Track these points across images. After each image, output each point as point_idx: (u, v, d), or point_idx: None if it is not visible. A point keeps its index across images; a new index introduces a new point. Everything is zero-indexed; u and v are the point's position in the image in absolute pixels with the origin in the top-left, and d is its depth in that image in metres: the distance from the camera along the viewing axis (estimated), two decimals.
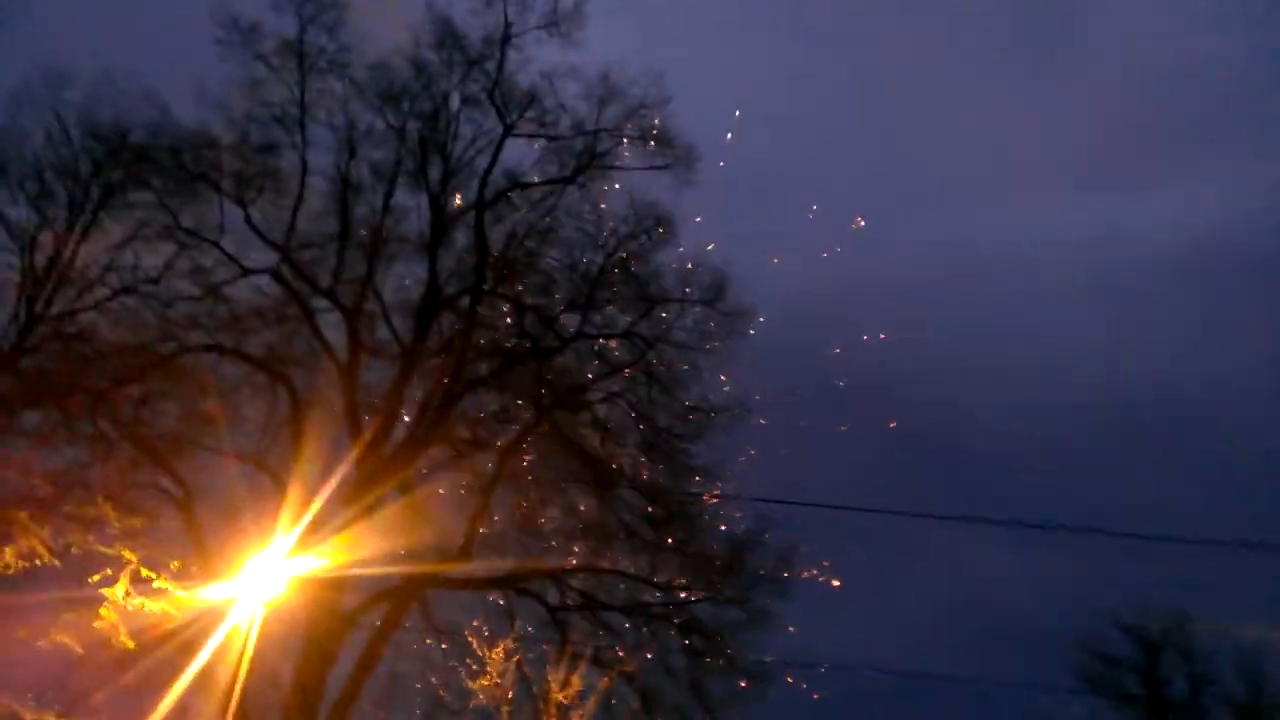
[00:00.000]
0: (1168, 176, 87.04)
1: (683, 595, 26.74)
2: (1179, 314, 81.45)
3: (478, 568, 25.64)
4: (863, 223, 28.41)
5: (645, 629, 26.50)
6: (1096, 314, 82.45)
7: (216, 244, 24.09)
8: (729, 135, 27.02)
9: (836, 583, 26.33)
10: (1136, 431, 72.98)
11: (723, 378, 26.95)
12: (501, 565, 26.55)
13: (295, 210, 24.65)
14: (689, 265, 26.76)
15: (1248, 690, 33.05)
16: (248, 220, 24.32)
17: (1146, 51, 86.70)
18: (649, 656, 26.01)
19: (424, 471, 26.19)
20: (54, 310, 22.21)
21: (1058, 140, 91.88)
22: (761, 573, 26.28)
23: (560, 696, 20.62)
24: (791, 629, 26.47)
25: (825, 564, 26.21)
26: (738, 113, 27.68)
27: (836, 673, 27.04)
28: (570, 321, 26.93)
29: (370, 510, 23.54)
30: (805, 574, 26.20)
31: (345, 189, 25.50)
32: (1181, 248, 78.74)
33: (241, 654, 17.43)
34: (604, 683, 22.83)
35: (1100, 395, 72.83)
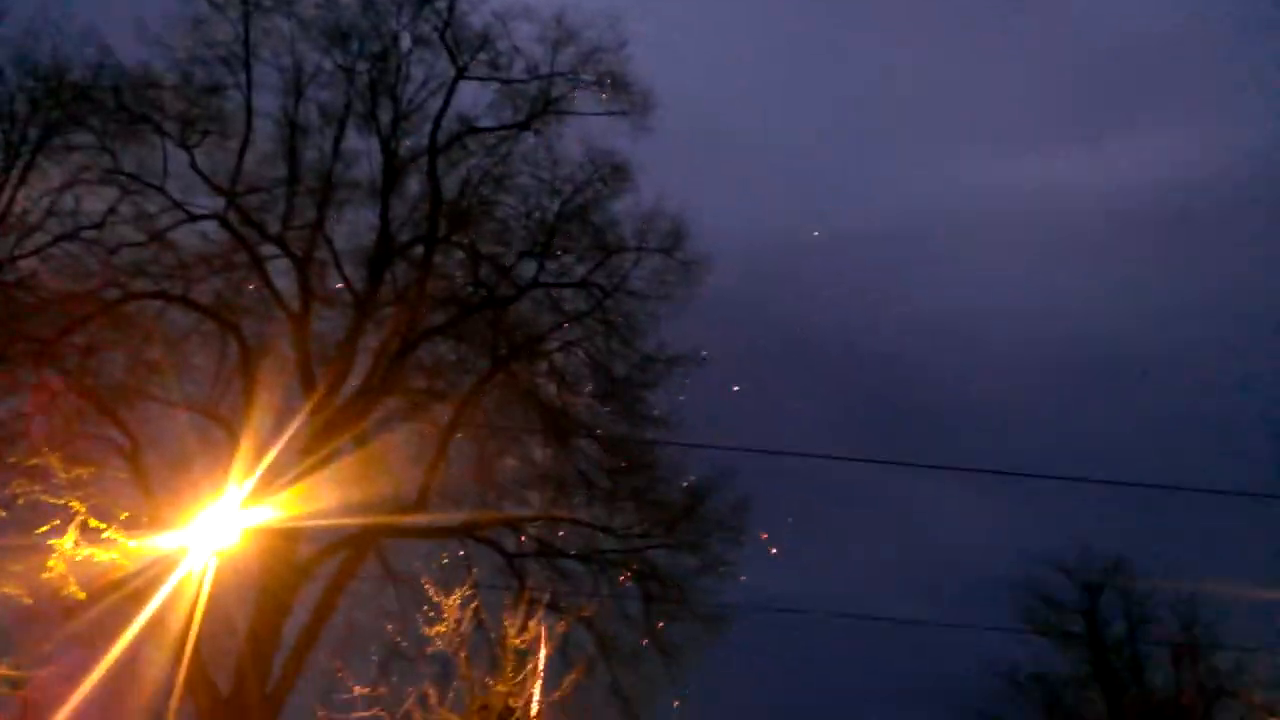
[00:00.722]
0: (1114, 131, 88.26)
1: (639, 542, 26.96)
2: (1122, 265, 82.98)
3: (434, 517, 25.60)
4: (816, 234, 28.36)
5: (602, 576, 26.73)
6: (1045, 267, 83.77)
7: (160, 188, 23.41)
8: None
9: (774, 550, 26.76)
10: (1084, 381, 74.69)
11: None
12: (458, 514, 26.55)
13: (241, 154, 24.04)
14: (646, 214, 26.61)
15: (1182, 628, 34.18)
16: (193, 164, 23.67)
17: (1093, 14, 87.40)
18: (606, 600, 26.29)
19: (380, 421, 26.00)
20: None
21: (1009, 96, 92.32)
22: (717, 520, 26.61)
23: (517, 642, 20.72)
24: (743, 578, 26.90)
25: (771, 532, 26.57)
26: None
27: (790, 616, 27.53)
28: (526, 270, 26.74)
29: (325, 460, 23.36)
30: (761, 536, 26.65)
31: (293, 132, 24.92)
32: (1125, 200, 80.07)
33: (195, 603, 17.30)
34: (561, 627, 22.97)
35: (1049, 346, 74.25)
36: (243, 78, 24.19)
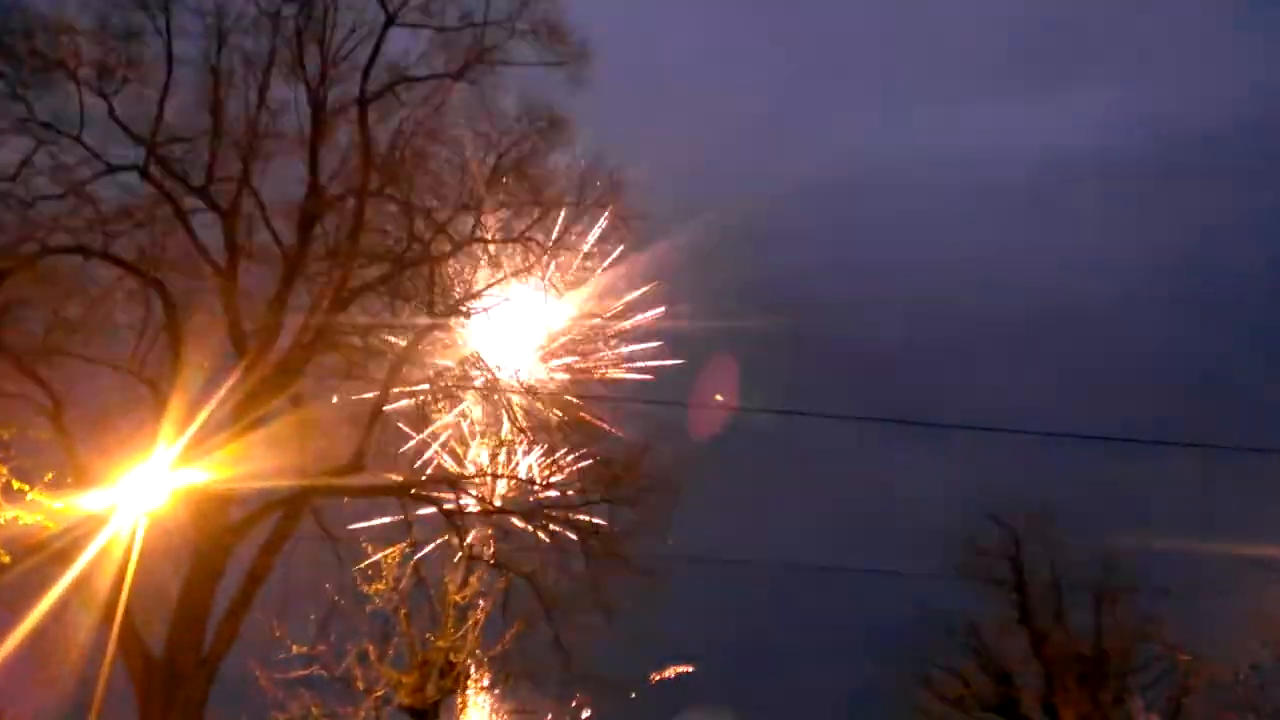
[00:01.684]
0: (1063, 84, 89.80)
1: (579, 499, 27.02)
2: (1064, 218, 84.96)
3: (371, 477, 25.30)
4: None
5: (543, 532, 26.73)
6: (984, 223, 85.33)
7: (77, 138, 22.42)
8: None
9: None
10: (1023, 336, 76.53)
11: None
12: (396, 474, 26.30)
13: (162, 103, 23.09)
14: (586, 168, 26.32)
15: (1103, 572, 35.47)
16: (111, 113, 22.67)
17: None
18: (547, 556, 26.37)
19: (314, 380, 25.55)
20: None
21: (952, 50, 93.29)
22: (658, 476, 26.76)
23: (458, 598, 20.69)
24: (674, 539, 27.17)
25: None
26: None
27: (727, 567, 27.92)
28: (463, 225, 26.26)
29: (258, 421, 22.86)
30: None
31: (216, 80, 23.99)
32: (1072, 154, 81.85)
33: (124, 566, 16.91)
34: (502, 583, 23.00)
35: (988, 300, 75.80)
36: (162, 22, 23.12)
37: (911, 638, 36.36)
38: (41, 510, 15.67)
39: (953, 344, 73.40)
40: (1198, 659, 33.10)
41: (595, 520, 26.91)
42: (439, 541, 25.87)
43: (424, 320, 25.89)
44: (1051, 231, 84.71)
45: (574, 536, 26.56)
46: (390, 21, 24.95)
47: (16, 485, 16.18)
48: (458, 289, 26.69)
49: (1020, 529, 36.83)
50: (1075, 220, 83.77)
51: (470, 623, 21.41)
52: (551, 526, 26.55)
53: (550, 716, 29.75)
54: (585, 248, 26.78)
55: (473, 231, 26.06)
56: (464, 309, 26.39)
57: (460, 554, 23.76)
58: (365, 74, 25.08)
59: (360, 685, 22.44)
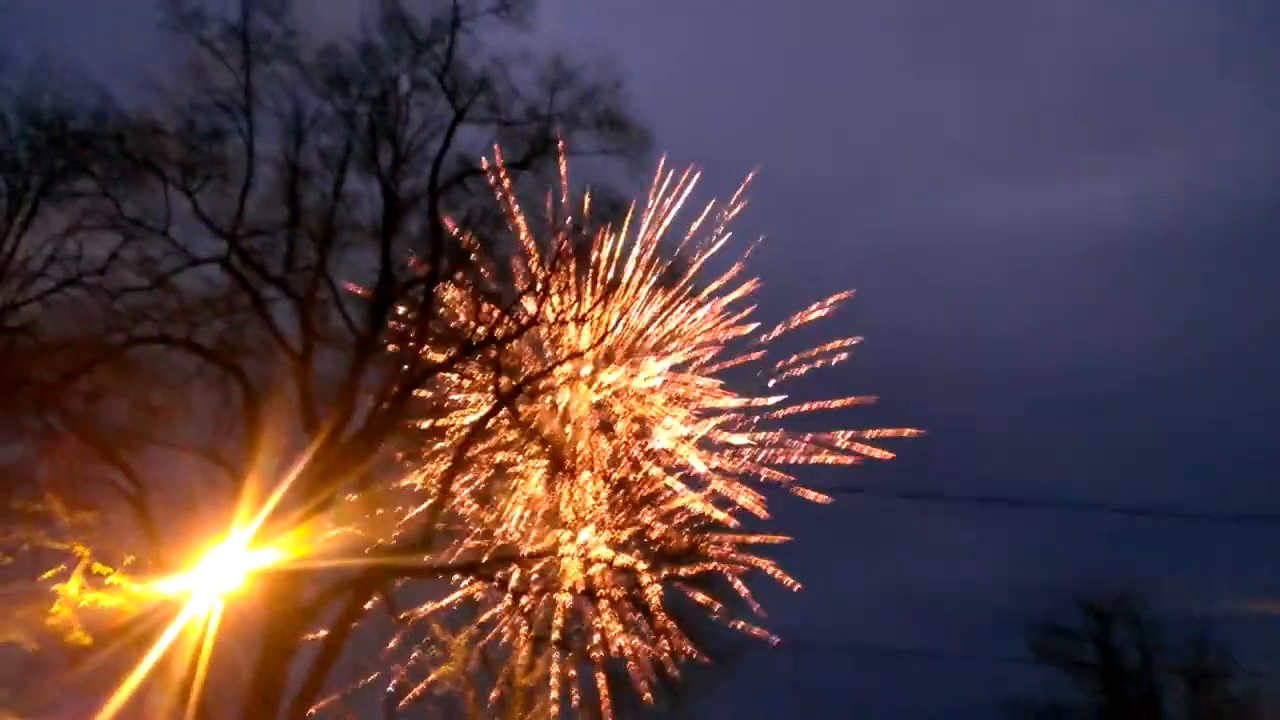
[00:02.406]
0: (1101, 163, 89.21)
1: (646, 578, 26.78)
2: (1121, 296, 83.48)
3: (439, 557, 25.48)
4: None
5: (609, 612, 26.52)
6: (1043, 297, 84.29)
7: (163, 233, 23.50)
8: None
9: (796, 585, 26.62)
10: (1085, 410, 74.72)
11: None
12: (463, 554, 26.43)
13: (243, 198, 24.11)
14: (645, 249, 26.80)
15: (1195, 655, 33.90)
16: (195, 209, 23.74)
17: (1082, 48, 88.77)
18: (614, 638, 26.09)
19: (383, 461, 25.96)
20: None
21: (989, 133, 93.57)
22: (723, 555, 26.51)
23: (524, 680, 20.54)
24: (755, 605, 26.73)
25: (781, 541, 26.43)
26: None
27: (798, 651, 27.31)
28: (527, 307, 26.79)
29: (329, 502, 23.24)
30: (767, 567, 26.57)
31: (294, 176, 25.05)
32: (1116, 233, 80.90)
33: (200, 647, 17.17)
34: (567, 665, 22.79)
35: (1048, 376, 74.41)
36: (244, 123, 24.35)
37: None
38: (122, 594, 16.05)
39: (1011, 418, 71.86)
40: None
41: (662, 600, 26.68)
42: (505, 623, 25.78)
43: (489, 401, 26.32)
44: (1109, 305, 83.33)
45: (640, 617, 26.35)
46: (459, 118, 25.87)
47: (98, 568, 16.69)
48: (523, 370, 27.15)
49: (1104, 608, 35.51)
50: (1153, 293, 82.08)
51: (537, 707, 21.13)
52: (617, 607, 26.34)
53: None
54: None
55: (537, 314, 26.56)
56: (528, 389, 26.79)
57: (526, 635, 23.65)
58: (435, 167, 25.94)
59: None
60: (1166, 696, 34.13)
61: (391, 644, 25.42)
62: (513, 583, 26.12)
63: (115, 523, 20.14)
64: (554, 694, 21.55)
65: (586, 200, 26.67)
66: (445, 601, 26.06)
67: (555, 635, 23.47)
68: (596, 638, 25.86)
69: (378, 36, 25.29)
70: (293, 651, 22.36)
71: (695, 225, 27.54)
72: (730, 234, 27.10)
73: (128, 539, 20.07)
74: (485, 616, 25.28)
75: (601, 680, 25.79)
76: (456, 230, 26.68)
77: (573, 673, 25.60)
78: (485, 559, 25.93)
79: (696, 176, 27.27)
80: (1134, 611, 35.34)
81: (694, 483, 27.33)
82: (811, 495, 27.14)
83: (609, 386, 27.39)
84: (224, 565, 18.19)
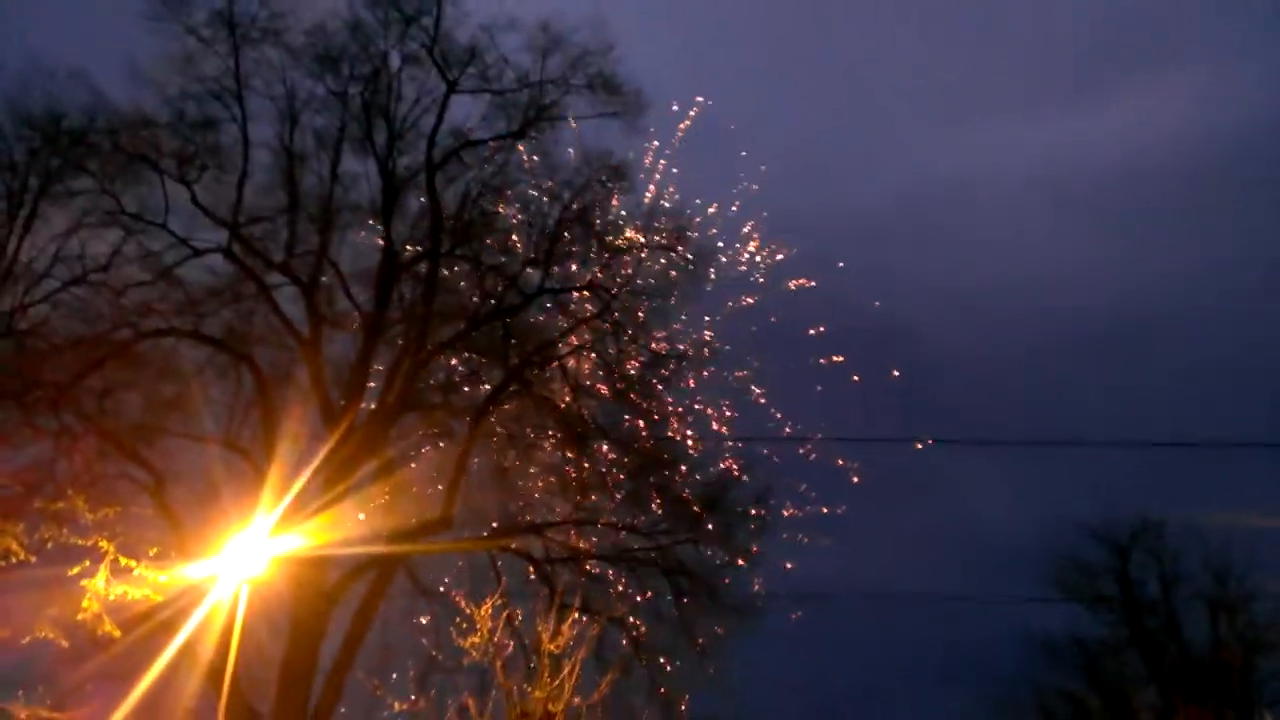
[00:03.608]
0: (1114, 93, 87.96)
1: (665, 539, 27.02)
2: (1132, 225, 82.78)
3: (459, 533, 25.72)
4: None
5: (631, 575, 26.79)
6: (1055, 231, 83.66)
7: (163, 226, 23.61)
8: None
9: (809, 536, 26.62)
10: (1092, 345, 74.47)
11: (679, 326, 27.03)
12: (483, 529, 26.67)
13: (241, 185, 24.18)
14: (647, 212, 26.65)
15: (1215, 582, 34.07)
16: (193, 199, 23.84)
17: None
18: (638, 600, 26.37)
19: (398, 441, 26.14)
20: (3, 307, 21.74)
21: (999, 66, 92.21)
22: (740, 510, 26.67)
23: (551, 647, 20.76)
24: (788, 564, 26.82)
25: (806, 491, 26.41)
26: None
27: (821, 601, 27.50)
28: (532, 278, 26.81)
29: (347, 483, 23.47)
30: (786, 512, 26.49)
31: (290, 160, 25.06)
32: (1129, 159, 79.93)
33: (230, 632, 17.44)
34: (594, 630, 23.02)
35: (1056, 313, 74.10)
36: (236, 110, 24.36)
37: (1015, 661, 35.33)
38: (147, 584, 16.31)
39: (1033, 357, 71.61)
40: None
41: (681, 559, 26.93)
42: (529, 592, 26.07)
43: (500, 374, 26.42)
44: (1127, 237, 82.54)
45: (663, 578, 26.63)
46: (451, 90, 25.79)
47: (124, 561, 16.94)
48: (531, 340, 27.20)
49: (1123, 541, 35.68)
50: (1151, 224, 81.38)
51: (565, 671, 21.38)
52: (639, 569, 26.62)
53: None
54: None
55: (542, 283, 26.56)
56: (538, 359, 26.86)
57: (551, 602, 23.88)
58: (431, 142, 25.90)
59: None
60: (1188, 625, 34.40)
61: (419, 620, 25.71)
62: (534, 552, 26.44)
63: (138, 515, 20.38)
64: (576, 658, 21.77)
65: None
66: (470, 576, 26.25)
67: (577, 601, 23.66)
68: (620, 601, 26.12)
69: (365, 13, 25.20)
70: (322, 634, 22.75)
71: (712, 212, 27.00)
72: (738, 202, 26.72)
73: (151, 530, 20.35)
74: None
75: (627, 642, 26.16)
76: (456, 205, 26.65)
77: (600, 635, 25.89)
78: (500, 530, 26.20)
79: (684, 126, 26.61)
80: (1152, 543, 35.52)
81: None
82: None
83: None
84: (248, 551, 18.41)
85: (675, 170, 26.75)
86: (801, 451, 26.15)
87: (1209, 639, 33.97)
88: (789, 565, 26.59)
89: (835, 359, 26.10)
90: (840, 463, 25.91)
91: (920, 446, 24.11)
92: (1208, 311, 70.04)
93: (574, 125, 26.25)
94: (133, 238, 23.49)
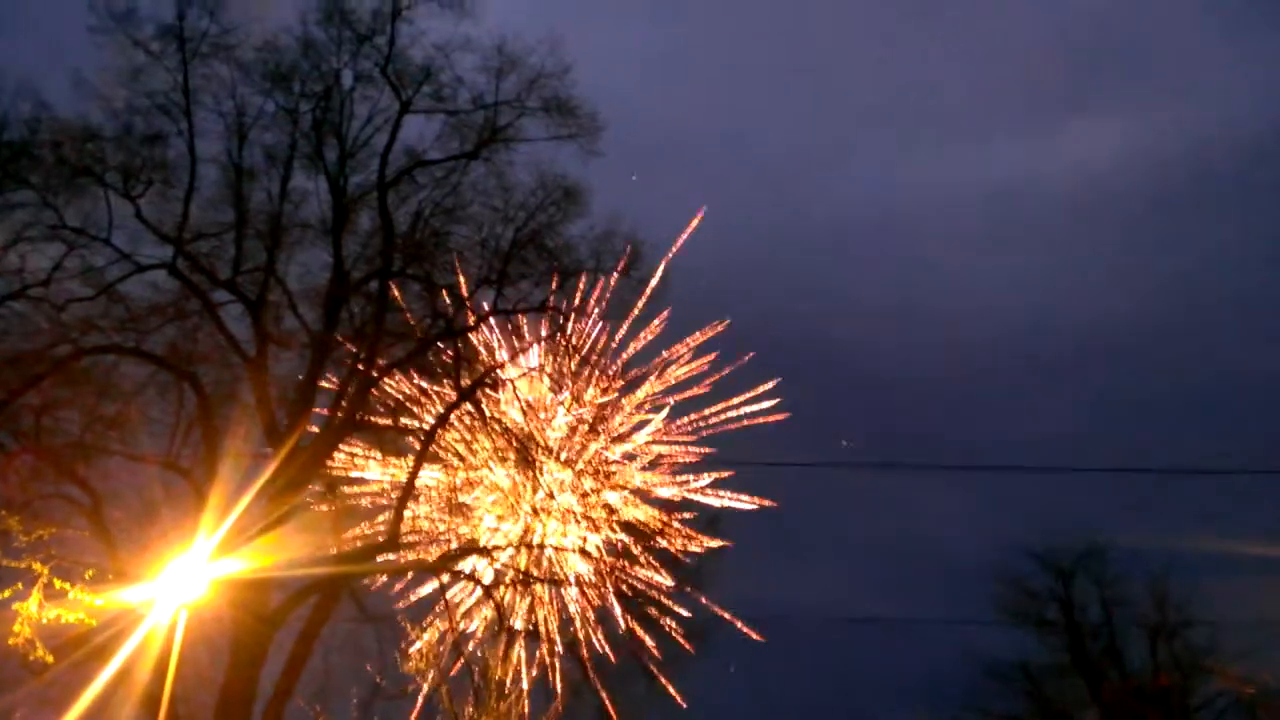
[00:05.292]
0: (1068, 118, 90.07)
1: (616, 562, 26.95)
2: (1082, 254, 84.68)
3: (406, 555, 25.41)
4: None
5: (582, 598, 26.66)
6: (1004, 257, 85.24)
7: (106, 241, 23.08)
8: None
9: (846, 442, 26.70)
10: (1041, 368, 75.87)
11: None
12: (430, 550, 26.39)
13: (187, 201, 23.74)
14: (601, 235, 26.67)
15: (1156, 608, 34.66)
16: (138, 214, 23.33)
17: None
18: (587, 624, 26.24)
19: (346, 461, 25.80)
20: None
21: (961, 90, 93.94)
22: (694, 533, 26.71)
23: (499, 673, 20.61)
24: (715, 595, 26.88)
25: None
26: None
27: (771, 621, 27.62)
28: (484, 298, 26.69)
29: (292, 506, 23.09)
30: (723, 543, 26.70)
31: (239, 176, 24.71)
32: (1085, 187, 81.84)
33: (167, 657, 17.02)
34: (542, 655, 22.89)
35: (1008, 335, 75.40)
36: (184, 125, 23.93)
37: (961, 684, 35.62)
38: (82, 608, 15.85)
39: (982, 380, 72.78)
40: (1264, 693, 32.11)
41: (633, 582, 26.89)
42: (477, 617, 25.82)
43: (450, 394, 26.21)
44: (1078, 261, 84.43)
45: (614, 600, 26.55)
46: (405, 109, 25.63)
47: (58, 584, 16.43)
48: (482, 362, 27.05)
49: (1065, 566, 36.17)
50: (1107, 249, 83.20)
51: (513, 697, 21.21)
52: (589, 592, 26.50)
53: None
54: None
55: (494, 304, 26.46)
56: (489, 380, 26.70)
57: (499, 627, 23.70)
58: (383, 161, 25.69)
59: None
60: (1128, 650, 34.94)
61: (362, 644, 25.32)
62: (480, 575, 26.19)
63: (74, 537, 19.88)
64: (525, 684, 21.64)
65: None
66: (414, 598, 25.95)
67: (522, 625, 23.53)
68: (570, 626, 26.00)
69: (317, 31, 24.99)
70: (262, 659, 22.24)
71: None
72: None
73: (88, 553, 19.85)
74: (456, 610, 25.22)
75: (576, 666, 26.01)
76: (408, 224, 26.48)
77: (549, 661, 25.72)
78: (449, 553, 25.93)
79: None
80: (1095, 568, 36.05)
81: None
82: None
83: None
84: (187, 574, 17.99)
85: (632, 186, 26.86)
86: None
87: (1149, 663, 34.54)
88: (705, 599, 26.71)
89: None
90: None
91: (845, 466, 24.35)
92: (1158, 337, 71.78)
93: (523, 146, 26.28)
94: (75, 252, 22.92)
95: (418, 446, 25.25)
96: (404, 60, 25.41)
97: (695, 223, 27.02)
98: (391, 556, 24.43)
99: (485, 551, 26.32)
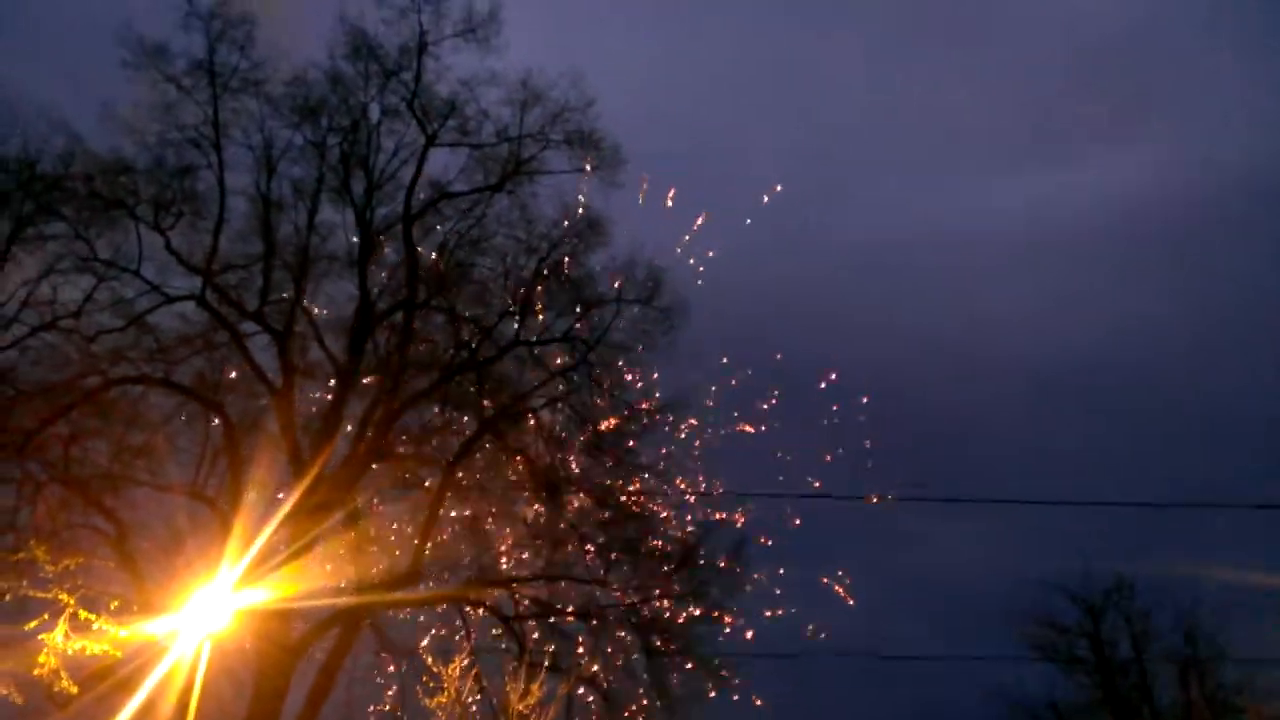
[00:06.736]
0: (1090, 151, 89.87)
1: (637, 595, 26.75)
2: (1107, 282, 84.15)
3: (428, 587, 25.37)
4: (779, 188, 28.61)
5: (603, 632, 26.46)
6: (1027, 286, 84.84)
7: (136, 272, 23.43)
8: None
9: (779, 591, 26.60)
10: (1067, 400, 75.19)
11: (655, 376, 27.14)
12: (452, 582, 26.32)
13: (216, 233, 24.07)
14: (623, 264, 26.75)
15: (1186, 644, 34.07)
16: (168, 246, 23.68)
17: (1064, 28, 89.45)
18: (608, 657, 26.04)
19: (369, 491, 25.83)
20: None
21: (980, 120, 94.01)
22: (715, 567, 26.49)
23: (520, 707, 20.44)
24: (739, 628, 26.59)
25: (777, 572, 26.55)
26: None
27: (795, 659, 27.24)
28: (507, 329, 26.80)
29: (316, 536, 23.12)
30: (755, 578, 26.54)
31: (267, 208, 25.01)
32: (1107, 218, 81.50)
33: (190, 688, 17.03)
34: (564, 688, 22.70)
35: (1032, 364, 74.89)
36: (214, 158, 24.32)
37: None
38: (107, 639, 15.92)
39: (1001, 410, 72.20)
40: None
41: (654, 616, 26.65)
42: (498, 648, 25.69)
43: (474, 425, 26.25)
44: (1100, 291, 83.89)
45: (634, 634, 26.31)
46: (430, 143, 25.91)
47: (84, 615, 16.54)
48: (506, 392, 27.06)
49: (1095, 602, 35.68)
50: (1122, 278, 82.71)
51: None
52: (611, 626, 26.30)
53: None
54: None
55: (517, 335, 26.53)
56: (512, 411, 26.71)
57: (520, 660, 23.54)
58: (409, 194, 25.97)
59: None
60: (1158, 687, 34.32)
61: (384, 677, 25.26)
62: (502, 607, 26.09)
63: (99, 567, 19.98)
64: (551, 717, 21.42)
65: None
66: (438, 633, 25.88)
67: (548, 659, 23.37)
68: (592, 658, 25.78)
69: (345, 66, 25.35)
70: (285, 690, 22.21)
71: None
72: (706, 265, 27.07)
73: (113, 582, 19.95)
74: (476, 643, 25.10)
75: (598, 700, 25.78)
76: (433, 256, 26.67)
77: (570, 693, 25.50)
78: (471, 584, 25.84)
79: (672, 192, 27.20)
80: (1124, 603, 35.53)
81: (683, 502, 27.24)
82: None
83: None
84: (211, 605, 18.04)
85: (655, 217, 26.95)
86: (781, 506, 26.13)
87: (1179, 700, 33.91)
88: (768, 613, 26.46)
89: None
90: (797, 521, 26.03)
91: (876, 500, 24.17)
92: (1185, 366, 71.07)
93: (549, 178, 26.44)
94: (105, 284, 23.30)
95: (441, 477, 25.32)
96: (430, 94, 25.76)
97: (697, 223, 26.88)
98: (414, 588, 24.40)
99: (507, 583, 26.22)
